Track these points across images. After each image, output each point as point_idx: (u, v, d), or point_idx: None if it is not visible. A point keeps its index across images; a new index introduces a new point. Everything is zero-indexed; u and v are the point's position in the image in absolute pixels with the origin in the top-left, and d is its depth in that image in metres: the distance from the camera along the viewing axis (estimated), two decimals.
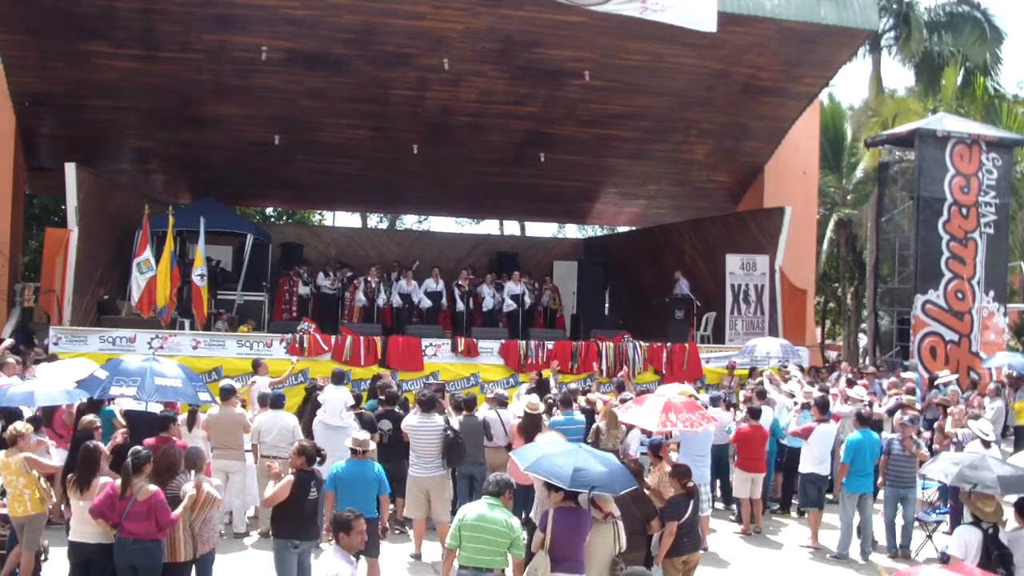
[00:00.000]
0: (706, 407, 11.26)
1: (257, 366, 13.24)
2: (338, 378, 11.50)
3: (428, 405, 9.81)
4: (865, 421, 10.57)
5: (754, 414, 11.32)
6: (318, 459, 7.58)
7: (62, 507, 8.20)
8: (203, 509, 7.01)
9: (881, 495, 10.86)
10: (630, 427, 10.28)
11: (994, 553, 6.78)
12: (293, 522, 7.29)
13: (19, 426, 7.85)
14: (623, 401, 10.81)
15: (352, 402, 10.44)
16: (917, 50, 26.79)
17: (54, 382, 9.28)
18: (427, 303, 19.24)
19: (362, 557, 8.05)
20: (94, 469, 7.07)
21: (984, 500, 7.09)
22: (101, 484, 6.96)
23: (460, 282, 19.82)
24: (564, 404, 10.97)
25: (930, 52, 27.42)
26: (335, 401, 10.03)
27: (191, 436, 9.52)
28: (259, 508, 10.33)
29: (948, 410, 12.41)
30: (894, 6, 27.22)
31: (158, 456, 7.15)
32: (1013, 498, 7.28)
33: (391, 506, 9.14)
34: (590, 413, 11.42)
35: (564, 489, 6.61)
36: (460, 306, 19.61)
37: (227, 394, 10.31)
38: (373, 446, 8.55)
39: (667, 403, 9.06)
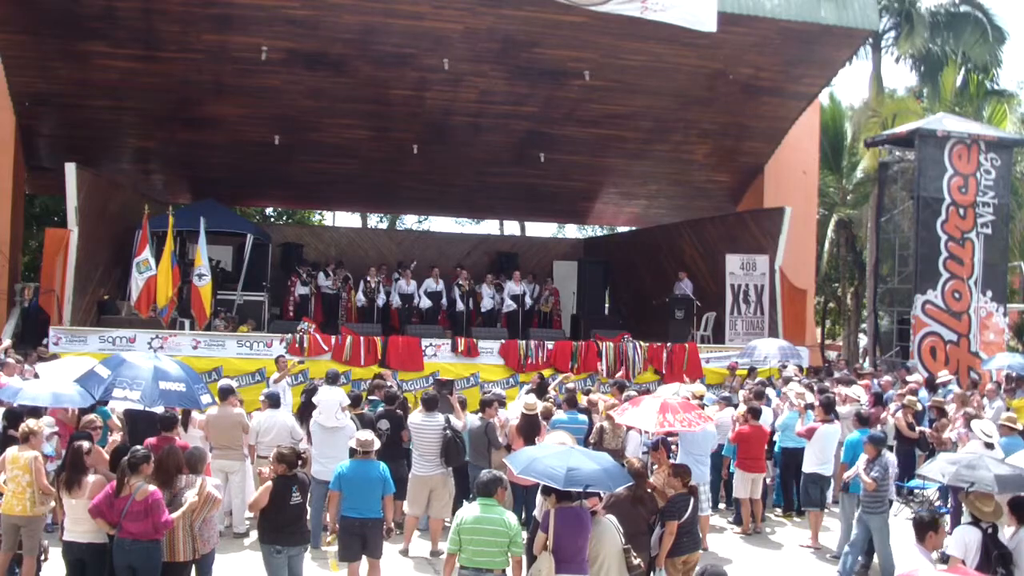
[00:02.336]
0: (703, 407, 11.27)
1: (277, 362, 13.65)
2: (332, 379, 11.50)
3: (431, 404, 9.85)
4: (865, 421, 10.57)
5: (754, 414, 11.32)
6: (300, 463, 7.57)
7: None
8: (203, 509, 7.03)
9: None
10: (629, 427, 10.28)
11: (994, 553, 6.77)
12: (274, 527, 7.31)
13: (32, 423, 7.84)
14: (625, 400, 10.80)
15: (348, 402, 10.43)
16: (921, 47, 26.75)
17: (69, 383, 9.20)
18: (427, 303, 19.25)
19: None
20: (81, 469, 7.08)
21: (983, 500, 7.09)
22: (94, 483, 6.96)
23: (460, 282, 19.84)
24: (568, 404, 10.99)
25: (931, 52, 27.40)
26: (330, 402, 10.01)
27: (187, 436, 9.52)
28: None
29: (946, 415, 12.39)
30: (895, 5, 27.20)
31: (164, 456, 7.16)
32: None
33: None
34: (589, 413, 11.42)
35: (559, 490, 6.61)
36: (460, 306, 19.62)
37: (225, 394, 10.31)
38: (378, 445, 8.54)
39: (663, 404, 9.05)
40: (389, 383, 13.25)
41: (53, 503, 7.75)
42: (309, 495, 8.05)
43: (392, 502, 8.49)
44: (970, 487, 7.20)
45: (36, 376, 11.42)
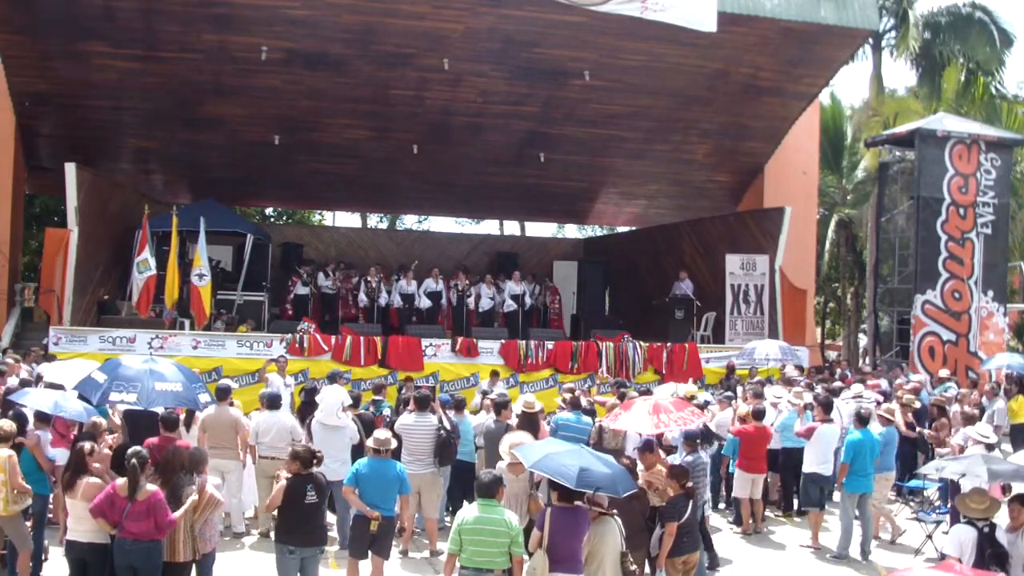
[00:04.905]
0: (702, 406, 11.26)
1: (277, 362, 13.75)
2: (333, 378, 11.50)
3: (423, 404, 9.86)
4: (865, 421, 10.56)
5: (756, 414, 11.30)
6: (315, 462, 7.54)
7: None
8: (206, 510, 7.02)
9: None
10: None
11: (987, 551, 6.77)
12: (288, 528, 7.26)
13: (4, 424, 7.82)
14: (622, 398, 10.79)
15: (349, 401, 10.43)
16: (914, 48, 26.70)
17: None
18: (427, 303, 19.26)
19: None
20: (79, 470, 7.09)
21: (975, 498, 7.10)
22: (88, 485, 6.96)
23: (456, 282, 19.88)
24: (573, 405, 10.97)
25: (932, 53, 27.34)
26: (331, 401, 10.03)
27: (188, 436, 9.52)
28: (258, 508, 10.34)
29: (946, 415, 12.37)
30: (894, 6, 27.15)
31: (170, 455, 7.15)
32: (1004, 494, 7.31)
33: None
34: (592, 414, 11.42)
35: (567, 488, 6.61)
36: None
37: (223, 394, 10.34)
38: (395, 444, 8.53)
39: (655, 404, 9.03)
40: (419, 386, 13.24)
41: (30, 500, 7.72)
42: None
43: (407, 502, 8.47)
44: (961, 477, 7.25)
45: (40, 376, 11.44)
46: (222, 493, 8.89)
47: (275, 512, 7.49)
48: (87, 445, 7.32)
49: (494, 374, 14.99)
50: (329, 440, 9.71)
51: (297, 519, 7.24)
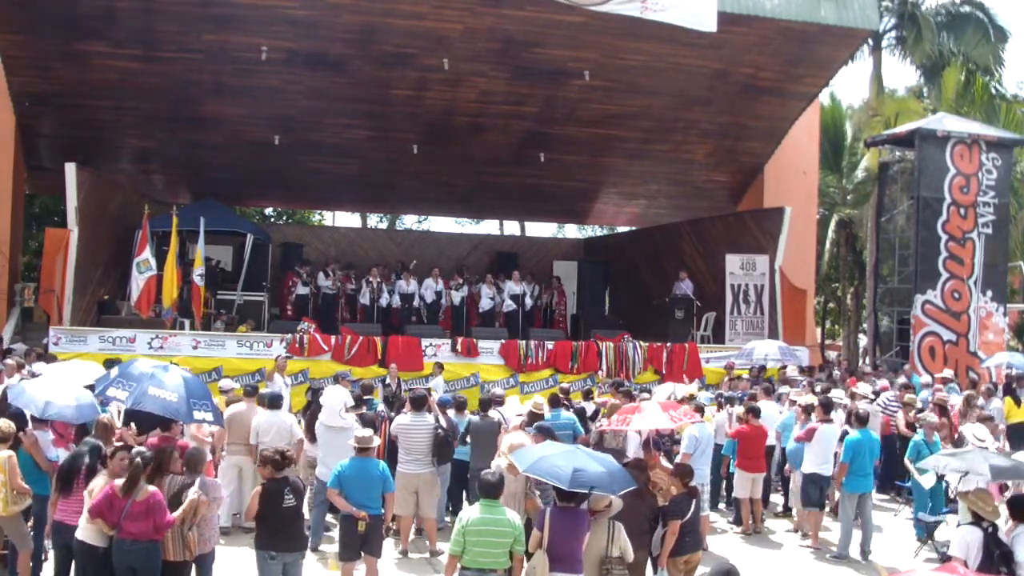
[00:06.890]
0: (703, 407, 11.28)
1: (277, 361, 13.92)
2: (337, 379, 11.50)
3: (419, 403, 9.87)
4: (863, 421, 10.56)
5: (755, 413, 11.31)
6: (286, 463, 7.34)
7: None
8: (192, 511, 6.98)
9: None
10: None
11: (995, 552, 6.76)
12: (269, 532, 7.16)
13: (3, 424, 7.81)
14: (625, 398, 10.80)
15: (352, 402, 10.42)
16: (932, 51, 26.66)
17: (84, 391, 9.10)
18: (427, 302, 19.26)
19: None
20: (92, 471, 7.11)
21: (984, 498, 7.09)
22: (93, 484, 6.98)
23: (451, 283, 19.91)
24: (552, 403, 10.95)
25: (932, 53, 27.33)
26: (333, 402, 10.02)
27: (186, 436, 9.51)
28: None
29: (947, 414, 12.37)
30: (895, 6, 27.13)
31: (159, 455, 7.15)
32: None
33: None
34: (583, 412, 11.42)
35: (561, 490, 6.62)
36: (456, 300, 19.65)
37: (251, 391, 10.58)
38: (377, 442, 8.53)
39: (663, 404, 9.23)
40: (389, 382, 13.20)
41: (30, 500, 7.71)
42: (310, 497, 7.92)
43: (392, 500, 8.47)
44: (964, 475, 7.23)
45: (34, 375, 11.41)
46: (238, 489, 8.88)
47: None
48: (106, 450, 7.30)
49: (438, 367, 15.02)
50: (333, 441, 9.68)
51: (276, 524, 7.12)
